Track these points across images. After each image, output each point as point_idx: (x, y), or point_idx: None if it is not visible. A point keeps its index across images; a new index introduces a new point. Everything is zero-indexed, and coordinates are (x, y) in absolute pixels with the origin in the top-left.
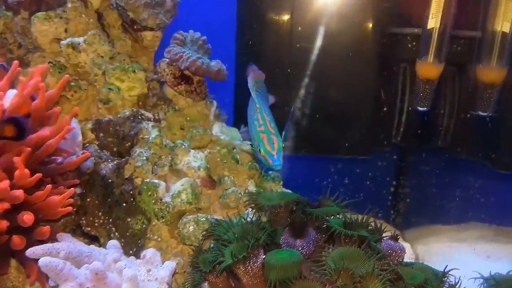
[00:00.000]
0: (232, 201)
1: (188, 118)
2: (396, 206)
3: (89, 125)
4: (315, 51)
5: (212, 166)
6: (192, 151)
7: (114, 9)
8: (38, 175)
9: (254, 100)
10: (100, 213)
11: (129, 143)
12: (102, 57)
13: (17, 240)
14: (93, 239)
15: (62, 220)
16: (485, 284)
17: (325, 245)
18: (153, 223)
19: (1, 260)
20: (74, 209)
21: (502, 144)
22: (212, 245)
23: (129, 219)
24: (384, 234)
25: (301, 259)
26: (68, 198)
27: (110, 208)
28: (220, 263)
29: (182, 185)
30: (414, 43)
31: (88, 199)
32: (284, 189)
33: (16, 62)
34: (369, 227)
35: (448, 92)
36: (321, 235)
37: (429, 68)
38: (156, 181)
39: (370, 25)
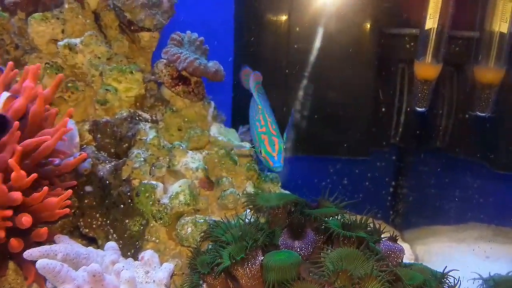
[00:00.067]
0: (230, 202)
1: (186, 119)
2: (395, 206)
3: (87, 126)
4: (313, 51)
5: (210, 167)
6: (190, 152)
7: (111, 10)
8: (34, 175)
9: (256, 101)
10: (98, 215)
11: (127, 144)
12: (99, 58)
13: (15, 243)
14: (91, 241)
15: (59, 221)
16: (484, 285)
17: (323, 246)
18: (151, 224)
19: None
20: (72, 211)
21: (500, 144)
22: (210, 246)
23: (127, 221)
24: (383, 235)
25: (300, 260)
26: (65, 200)
27: (108, 210)
28: (218, 264)
29: (180, 186)
30: (412, 44)
31: (85, 201)
32: (282, 190)
33: (10, 63)
34: (368, 228)
35: (446, 92)
36: (320, 236)
37: (427, 68)
38: (153, 182)
39: (368, 25)
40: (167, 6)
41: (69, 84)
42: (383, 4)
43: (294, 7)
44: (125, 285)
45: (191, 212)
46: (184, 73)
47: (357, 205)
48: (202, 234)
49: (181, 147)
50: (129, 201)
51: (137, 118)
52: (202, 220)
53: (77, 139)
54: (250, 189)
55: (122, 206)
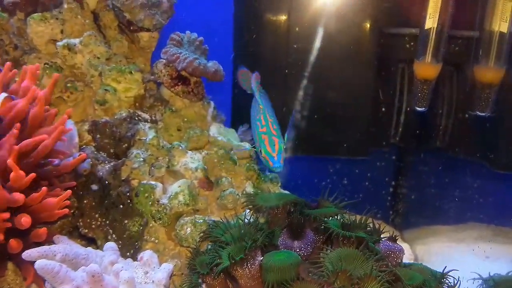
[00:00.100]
0: (229, 202)
1: (185, 119)
2: (395, 206)
3: (86, 127)
4: (313, 51)
5: (210, 167)
6: (189, 152)
7: (110, 10)
8: (32, 175)
9: (257, 101)
10: (97, 215)
11: (126, 145)
12: (98, 58)
13: (14, 244)
14: (90, 241)
15: (59, 222)
16: (484, 285)
17: (323, 247)
18: (150, 225)
19: None
20: (71, 211)
21: (500, 144)
22: (209, 246)
23: (126, 221)
24: (382, 235)
25: (299, 260)
26: (64, 200)
27: (107, 210)
28: (218, 265)
29: (179, 186)
30: (412, 43)
31: (85, 201)
32: (282, 190)
33: (7, 64)
34: (368, 228)
35: (446, 92)
36: (319, 237)
37: (427, 68)
38: (153, 182)
39: (368, 25)
40: (167, 6)
41: (68, 84)
42: (382, 3)
43: (293, 7)
44: (124, 286)
45: (191, 212)
46: (183, 73)
47: (357, 205)
48: (202, 234)
49: (180, 147)
50: (128, 201)
51: (136, 118)
52: (201, 220)
53: (76, 140)
54: (249, 189)
55: (121, 206)
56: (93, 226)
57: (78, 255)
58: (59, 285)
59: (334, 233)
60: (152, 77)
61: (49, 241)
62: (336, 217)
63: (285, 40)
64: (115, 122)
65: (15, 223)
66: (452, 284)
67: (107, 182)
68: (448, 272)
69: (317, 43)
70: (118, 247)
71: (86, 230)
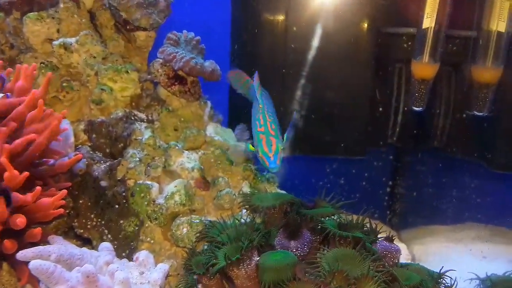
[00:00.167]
0: (226, 202)
1: (182, 119)
2: (392, 206)
3: (82, 126)
4: (310, 51)
5: (206, 167)
6: (186, 152)
7: (106, 9)
8: (26, 173)
9: (258, 100)
10: (92, 215)
11: (122, 144)
12: (94, 57)
13: (8, 244)
14: (85, 242)
15: (54, 222)
16: (481, 285)
17: (319, 247)
18: (146, 225)
19: None
20: (66, 211)
21: (498, 144)
22: (205, 247)
23: (121, 221)
24: (379, 235)
25: (296, 260)
26: (59, 200)
27: (102, 210)
28: (214, 265)
29: (176, 186)
30: (409, 43)
31: (80, 201)
32: (279, 190)
33: (0, 62)
34: (365, 228)
35: (443, 92)
36: (316, 237)
37: (424, 68)
38: (149, 182)
39: (365, 25)
40: (163, 6)
41: (64, 84)
42: (380, 3)
43: (291, 6)
44: (119, 286)
45: (187, 212)
46: (180, 72)
47: (354, 205)
48: (198, 234)
49: (177, 147)
50: (124, 201)
51: (132, 118)
52: (197, 221)
53: (72, 139)
54: (246, 189)
55: (117, 206)
56: (89, 226)
57: (73, 256)
58: (53, 286)
59: (331, 233)
60: (149, 76)
61: (44, 241)
62: (333, 217)
63: (283, 40)
64: (111, 122)
65: (10, 223)
66: (449, 284)
67: (102, 182)
68: (445, 272)
69: (315, 43)
70: (114, 248)
71: (82, 230)
